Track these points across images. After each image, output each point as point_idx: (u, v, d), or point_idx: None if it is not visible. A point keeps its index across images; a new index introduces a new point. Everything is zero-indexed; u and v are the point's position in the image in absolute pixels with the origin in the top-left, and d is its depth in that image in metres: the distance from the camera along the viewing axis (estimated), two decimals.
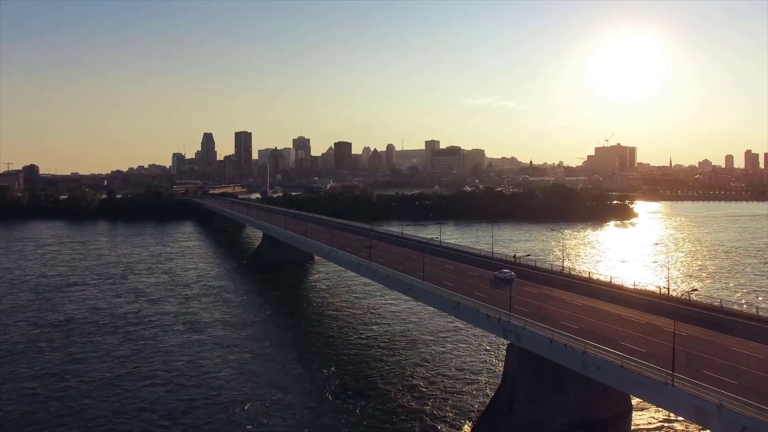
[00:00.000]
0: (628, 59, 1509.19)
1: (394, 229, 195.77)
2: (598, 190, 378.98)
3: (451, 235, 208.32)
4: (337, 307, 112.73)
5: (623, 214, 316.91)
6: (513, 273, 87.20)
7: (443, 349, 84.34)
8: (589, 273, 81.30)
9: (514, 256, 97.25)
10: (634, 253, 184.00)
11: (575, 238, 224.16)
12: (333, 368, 77.16)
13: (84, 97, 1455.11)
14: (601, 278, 79.56)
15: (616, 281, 76.84)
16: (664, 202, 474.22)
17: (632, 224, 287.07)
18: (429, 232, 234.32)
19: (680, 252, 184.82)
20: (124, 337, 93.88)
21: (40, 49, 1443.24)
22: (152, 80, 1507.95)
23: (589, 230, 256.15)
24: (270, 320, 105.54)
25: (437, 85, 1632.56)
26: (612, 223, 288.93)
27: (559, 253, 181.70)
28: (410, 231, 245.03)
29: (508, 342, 57.10)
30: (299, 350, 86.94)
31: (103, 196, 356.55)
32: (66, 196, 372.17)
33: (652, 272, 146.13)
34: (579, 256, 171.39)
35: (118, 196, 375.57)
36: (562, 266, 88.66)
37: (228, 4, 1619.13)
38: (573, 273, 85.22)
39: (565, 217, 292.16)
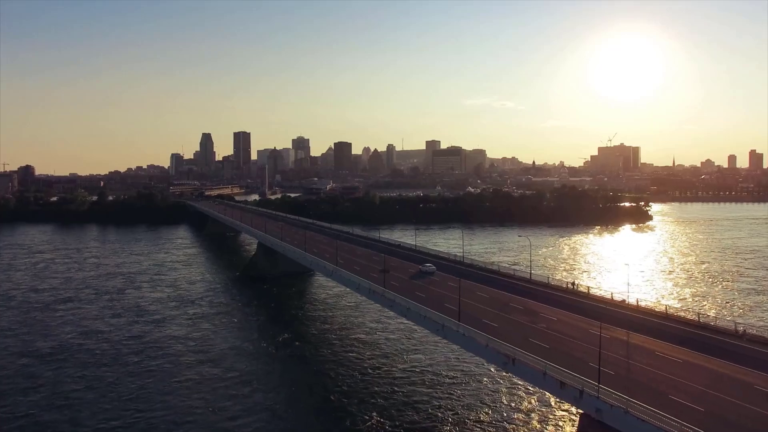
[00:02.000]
0: (627, 59, 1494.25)
1: (399, 235, 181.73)
2: (611, 192, 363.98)
3: (470, 244, 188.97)
4: (366, 330, 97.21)
5: (637, 216, 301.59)
6: (434, 267, 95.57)
7: (501, 390, 69.41)
8: (666, 308, 63.34)
9: (573, 284, 79.11)
10: (679, 265, 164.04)
11: (599, 245, 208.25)
12: (375, 415, 62.92)
13: (83, 97, 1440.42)
14: (689, 316, 61.41)
15: (705, 319, 59.78)
16: (672, 203, 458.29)
17: (650, 228, 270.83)
18: (440, 239, 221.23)
19: (727, 261, 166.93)
20: (126, 370, 79.24)
21: (40, 49, 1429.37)
22: (151, 80, 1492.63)
23: (607, 235, 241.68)
24: (290, 347, 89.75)
25: (437, 85, 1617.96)
26: (627, 226, 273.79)
27: (590, 264, 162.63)
28: (415, 236, 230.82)
29: (581, 411, 42.29)
30: (332, 388, 71.85)
31: (93, 199, 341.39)
32: (55, 199, 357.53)
33: (721, 294, 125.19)
34: (617, 268, 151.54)
35: (111, 198, 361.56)
36: (628, 297, 71.08)
37: (227, 4, 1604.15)
38: (646, 306, 67.42)
39: (577, 220, 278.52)
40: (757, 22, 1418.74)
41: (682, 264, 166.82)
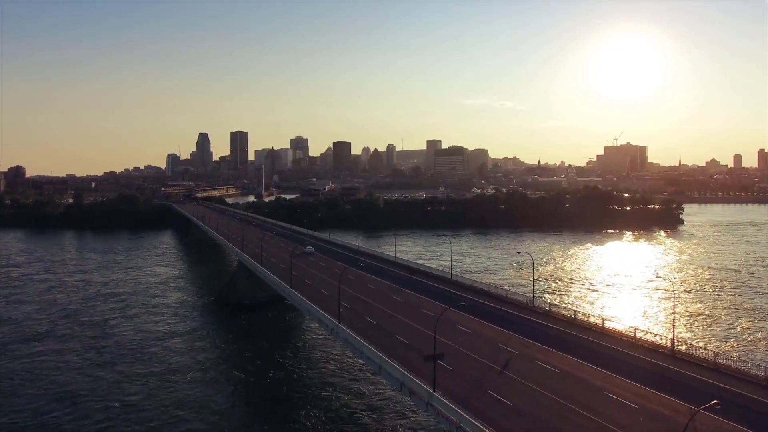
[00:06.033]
0: (628, 59, 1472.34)
1: (410, 247, 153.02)
2: (639, 194, 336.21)
3: (537, 256, 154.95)
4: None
5: (668, 221, 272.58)
6: (313, 248, 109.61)
7: None
8: None
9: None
10: None
11: (663, 259, 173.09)
12: None
13: (81, 98, 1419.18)
14: None
15: None
16: (687, 204, 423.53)
17: (692, 235, 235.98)
18: (478, 249, 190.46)
19: None
20: None
21: (39, 49, 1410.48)
22: (150, 80, 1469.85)
23: (649, 244, 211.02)
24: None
25: (437, 85, 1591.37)
26: (662, 232, 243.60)
27: (696, 290, 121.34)
28: (423, 243, 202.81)
29: None
30: None
31: (69, 201, 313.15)
32: (30, 201, 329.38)
33: None
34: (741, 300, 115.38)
35: (92, 198, 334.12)
36: None
37: (227, 4, 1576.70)
38: None
39: (602, 225, 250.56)
40: (757, 22, 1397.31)
41: None
